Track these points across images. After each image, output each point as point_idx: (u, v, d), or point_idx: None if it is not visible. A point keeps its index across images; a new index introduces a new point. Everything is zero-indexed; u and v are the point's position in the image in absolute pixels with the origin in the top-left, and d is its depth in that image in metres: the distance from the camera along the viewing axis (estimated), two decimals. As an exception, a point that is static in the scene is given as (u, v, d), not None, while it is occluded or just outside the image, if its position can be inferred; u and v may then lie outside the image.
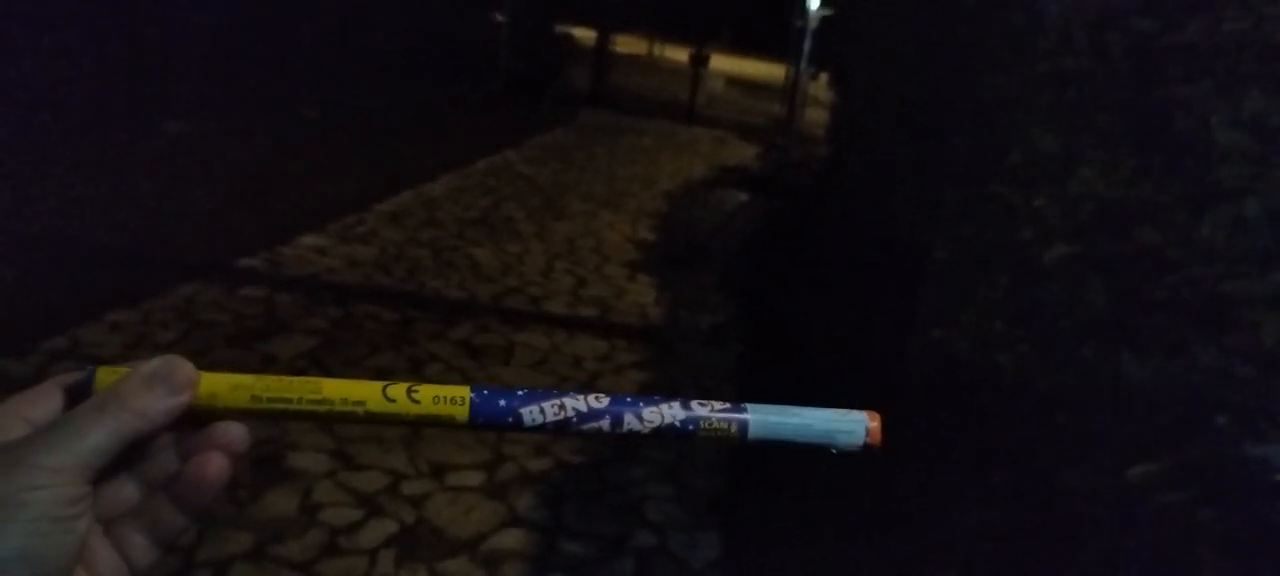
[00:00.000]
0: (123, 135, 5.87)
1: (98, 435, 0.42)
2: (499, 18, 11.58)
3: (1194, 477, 1.54)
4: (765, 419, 0.54)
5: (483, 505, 2.67)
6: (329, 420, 0.50)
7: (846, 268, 4.20)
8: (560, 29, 13.85)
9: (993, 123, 2.76)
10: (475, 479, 2.79)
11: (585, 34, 14.61)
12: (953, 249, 2.79)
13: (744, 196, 8.15)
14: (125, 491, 0.47)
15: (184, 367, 0.46)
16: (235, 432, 0.48)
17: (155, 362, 0.45)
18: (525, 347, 3.82)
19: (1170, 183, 1.90)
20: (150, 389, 0.44)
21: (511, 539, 2.54)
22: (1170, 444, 1.66)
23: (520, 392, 0.51)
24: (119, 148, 5.68)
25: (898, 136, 4.04)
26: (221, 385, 0.47)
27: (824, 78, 11.56)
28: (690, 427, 0.53)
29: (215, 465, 0.46)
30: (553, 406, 0.50)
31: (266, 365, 3.15)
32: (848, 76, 6.75)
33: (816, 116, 11.98)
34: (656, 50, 25.35)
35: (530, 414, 0.50)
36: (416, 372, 3.32)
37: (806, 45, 11.92)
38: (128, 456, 0.45)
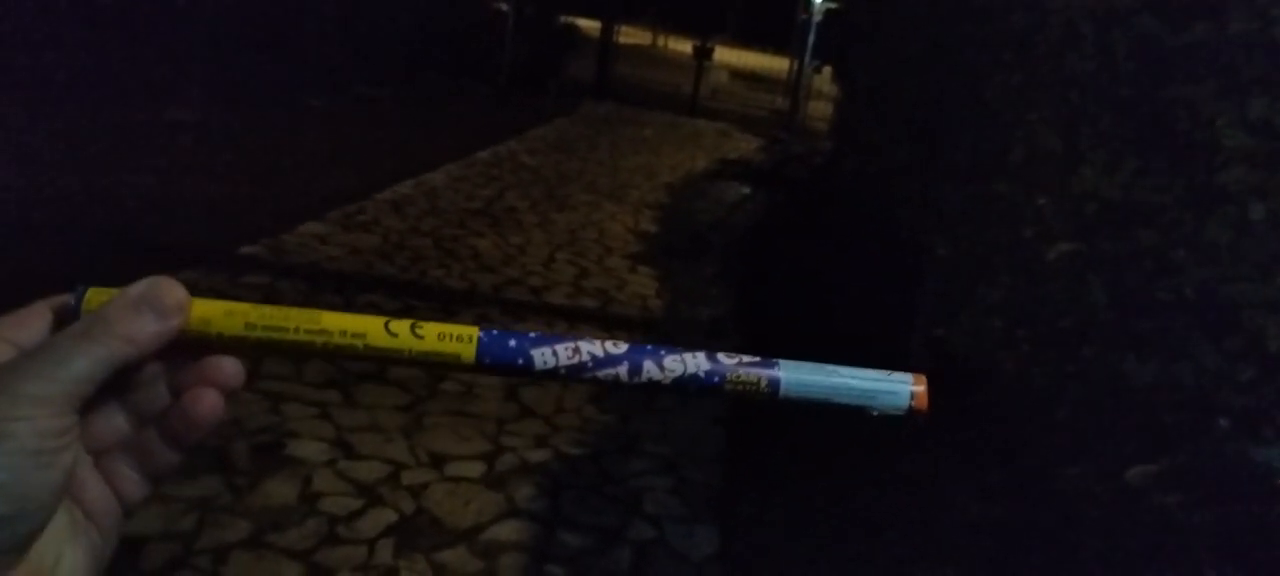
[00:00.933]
0: (126, 121, 5.86)
1: (82, 362, 0.40)
2: (503, 8, 11.56)
3: (1194, 480, 1.54)
4: (800, 376, 0.49)
5: (482, 495, 2.67)
6: (326, 353, 0.47)
7: (847, 263, 4.20)
8: (564, 20, 13.82)
9: (995, 120, 2.76)
10: (475, 469, 2.79)
11: (589, 25, 14.58)
12: (954, 246, 2.79)
13: (746, 189, 8.15)
14: (115, 422, 0.44)
15: (174, 290, 0.43)
16: (229, 368, 0.46)
17: (142, 284, 0.43)
18: (526, 339, 3.82)
19: (1173, 184, 1.90)
20: (138, 313, 0.42)
21: (510, 529, 2.55)
22: (1170, 445, 1.66)
23: (532, 335, 0.48)
24: (122, 133, 5.67)
25: (900, 132, 4.03)
26: (215, 311, 0.45)
27: (827, 72, 11.54)
28: (715, 380, 0.49)
29: (208, 402, 0.44)
30: (567, 349, 0.48)
31: (268, 351, 3.14)
32: (851, 71, 6.74)
33: (820, 110, 11.96)
34: (660, 42, 25.31)
35: (542, 356, 0.48)
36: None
37: (810, 39, 11.90)
38: (117, 385, 0.43)
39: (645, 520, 2.73)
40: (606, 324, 4.21)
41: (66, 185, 4.56)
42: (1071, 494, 1.87)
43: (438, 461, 2.79)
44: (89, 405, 0.41)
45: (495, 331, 0.48)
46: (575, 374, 0.47)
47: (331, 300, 3.75)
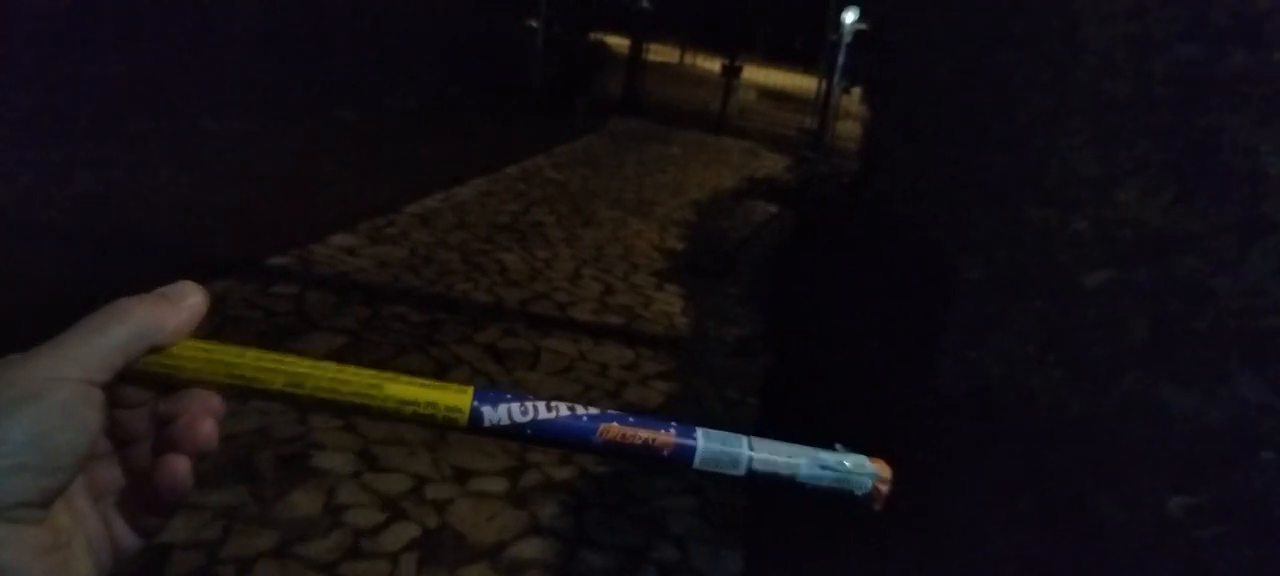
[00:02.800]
0: (160, 130, 5.93)
1: (119, 331, 0.44)
2: (533, 24, 11.63)
3: (1236, 513, 1.51)
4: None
5: (505, 512, 2.66)
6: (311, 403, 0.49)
7: (876, 284, 4.17)
8: (593, 37, 13.88)
9: (1030, 144, 2.73)
10: (498, 485, 2.78)
11: (618, 42, 14.64)
12: (986, 269, 2.76)
13: (773, 208, 8.12)
14: (112, 473, 0.48)
15: (192, 287, 0.48)
16: (214, 401, 0.48)
17: (168, 286, 0.48)
18: (551, 353, 3.82)
19: (1214, 211, 1.87)
20: (164, 298, 0.47)
21: (533, 547, 2.53)
22: (1211, 478, 1.62)
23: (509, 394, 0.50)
24: (156, 142, 5.74)
25: (932, 154, 4.01)
26: (196, 353, 0.47)
27: (856, 92, 11.51)
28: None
29: (205, 428, 0.47)
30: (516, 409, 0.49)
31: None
32: (881, 91, 6.71)
33: (848, 130, 11.93)
34: (689, 59, 25.37)
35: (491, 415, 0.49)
36: (442, 374, 3.32)
37: (840, 59, 11.87)
38: (115, 434, 0.47)
39: (669, 541, 2.71)
40: (631, 341, 4.20)
41: (99, 192, 4.61)
42: (1106, 525, 1.83)
43: (461, 476, 2.79)
44: (90, 461, 0.44)
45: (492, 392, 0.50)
46: (515, 434, 0.49)
47: (359, 312, 3.77)
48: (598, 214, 6.55)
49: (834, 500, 0.51)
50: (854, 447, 0.52)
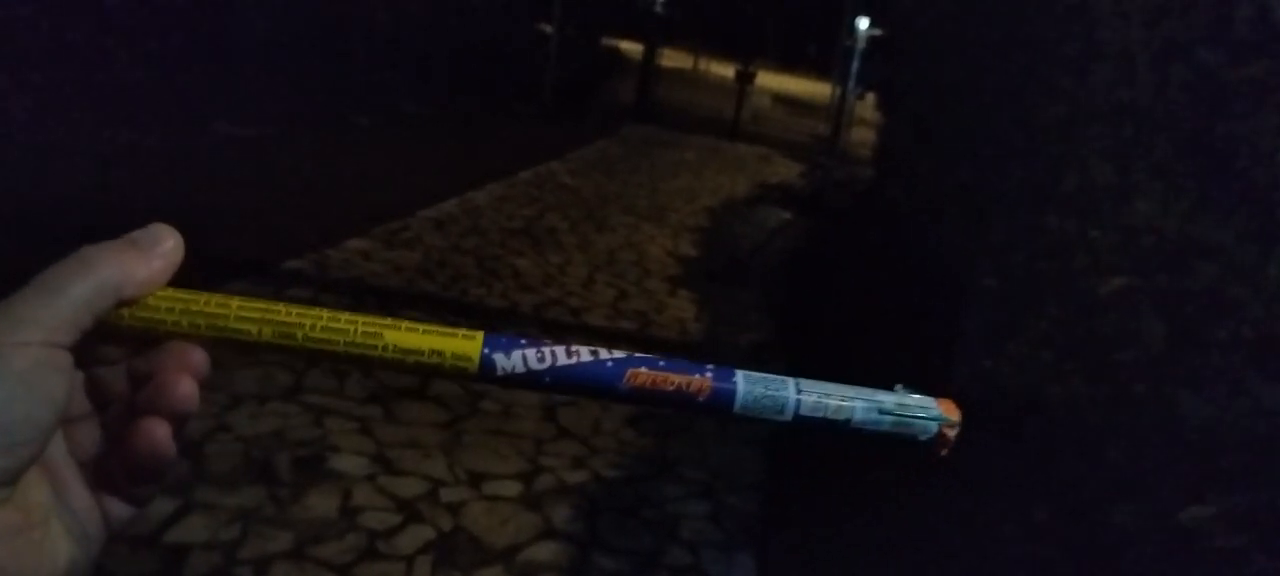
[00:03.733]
0: (176, 134, 5.98)
1: (82, 287, 0.39)
2: (547, 30, 11.66)
3: (1253, 523, 1.50)
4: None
5: (519, 515, 2.67)
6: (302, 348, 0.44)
7: (890, 291, 4.16)
8: (607, 42, 13.90)
9: (1046, 150, 2.72)
10: (513, 489, 2.79)
11: (631, 48, 14.66)
12: (1002, 276, 2.75)
13: (787, 214, 8.12)
14: (94, 437, 0.42)
15: (166, 230, 0.44)
16: (195, 355, 0.43)
17: (139, 230, 0.43)
18: (565, 359, 3.82)
19: (1233, 219, 1.86)
20: (133, 245, 0.42)
21: (547, 551, 2.54)
22: (1228, 487, 1.61)
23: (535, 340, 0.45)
24: (172, 146, 5.78)
25: (947, 160, 4.00)
26: (175, 306, 0.43)
27: (871, 98, 11.49)
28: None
29: (183, 388, 0.41)
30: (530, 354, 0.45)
31: (311, 365, 3.18)
32: (895, 97, 6.70)
33: (862, 136, 11.91)
34: (702, 65, 25.38)
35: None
36: (455, 378, 3.33)
37: (854, 65, 11.86)
38: (91, 393, 0.42)
39: (682, 546, 2.71)
40: (645, 347, 4.20)
41: (114, 196, 4.65)
42: (1123, 534, 1.82)
43: (476, 480, 2.80)
44: (69, 417, 0.40)
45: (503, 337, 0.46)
46: (530, 383, 0.45)
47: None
48: (611, 219, 6.56)
49: (893, 446, 0.46)
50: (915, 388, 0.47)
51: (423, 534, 2.50)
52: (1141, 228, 2.07)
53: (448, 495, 2.69)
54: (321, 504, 2.52)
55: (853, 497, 2.85)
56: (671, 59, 18.02)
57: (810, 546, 2.80)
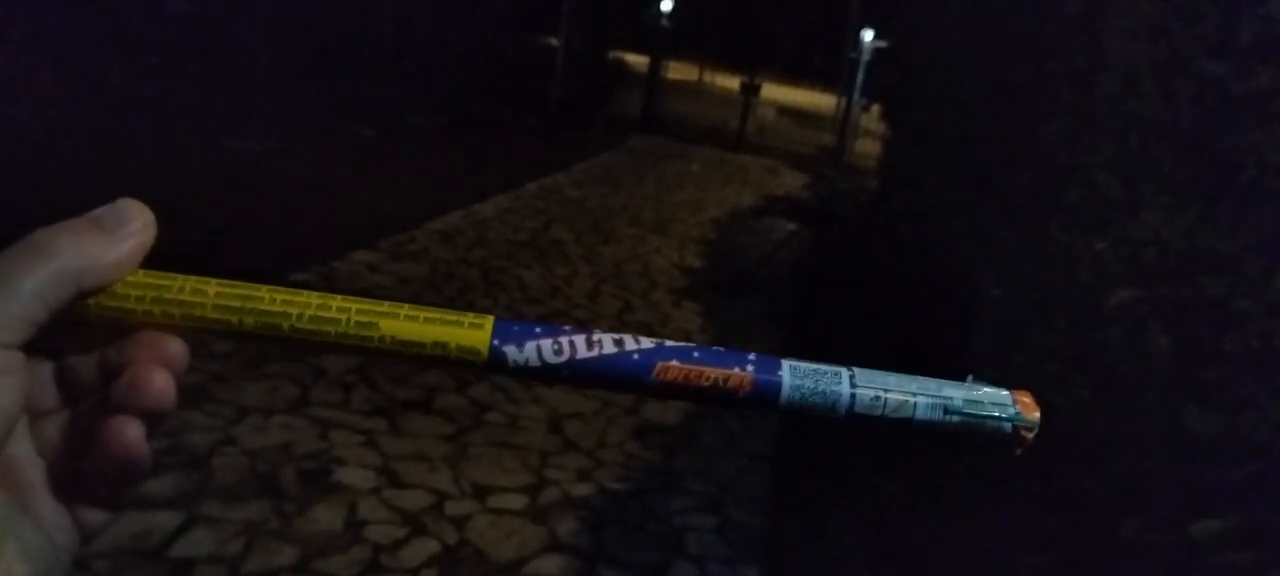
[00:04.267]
0: (183, 147, 6.00)
1: (34, 278, 0.34)
2: (553, 42, 11.69)
3: (1263, 538, 1.49)
4: (800, 383, 0.40)
5: (525, 528, 2.66)
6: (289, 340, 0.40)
7: (896, 303, 4.15)
8: (613, 54, 13.94)
9: (1052, 162, 2.72)
10: (518, 502, 2.78)
11: (637, 60, 14.70)
12: (1008, 288, 2.74)
13: (792, 226, 8.12)
14: (62, 433, 0.38)
15: (136, 207, 0.38)
16: (171, 346, 0.38)
17: (103, 207, 0.38)
18: (571, 371, 3.82)
19: (1239, 231, 1.85)
20: (96, 225, 0.37)
21: (552, 564, 2.53)
22: (1237, 501, 1.60)
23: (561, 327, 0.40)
24: (179, 159, 5.80)
25: (952, 172, 4.00)
26: (147, 292, 0.38)
27: (876, 110, 11.50)
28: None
29: (158, 382, 0.37)
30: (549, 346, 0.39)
31: (317, 378, 3.18)
32: (901, 109, 6.70)
33: (867, 148, 11.91)
34: (708, 77, 25.41)
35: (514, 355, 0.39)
36: (461, 391, 3.33)
37: (859, 77, 11.87)
38: (61, 385, 0.38)
39: (688, 560, 2.70)
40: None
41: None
42: (1131, 548, 1.81)
43: (481, 493, 2.79)
44: (37, 411, 0.37)
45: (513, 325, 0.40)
46: (549, 375, 0.40)
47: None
48: (617, 231, 6.56)
49: (963, 444, 0.41)
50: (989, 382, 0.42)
51: (428, 547, 2.50)
52: (1147, 240, 2.06)
53: (453, 508, 2.69)
54: (327, 517, 2.52)
55: (859, 510, 2.85)
56: (677, 71, 18.06)
57: (816, 559, 2.78)
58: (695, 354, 0.40)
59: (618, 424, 3.35)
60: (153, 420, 0.37)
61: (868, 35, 11.72)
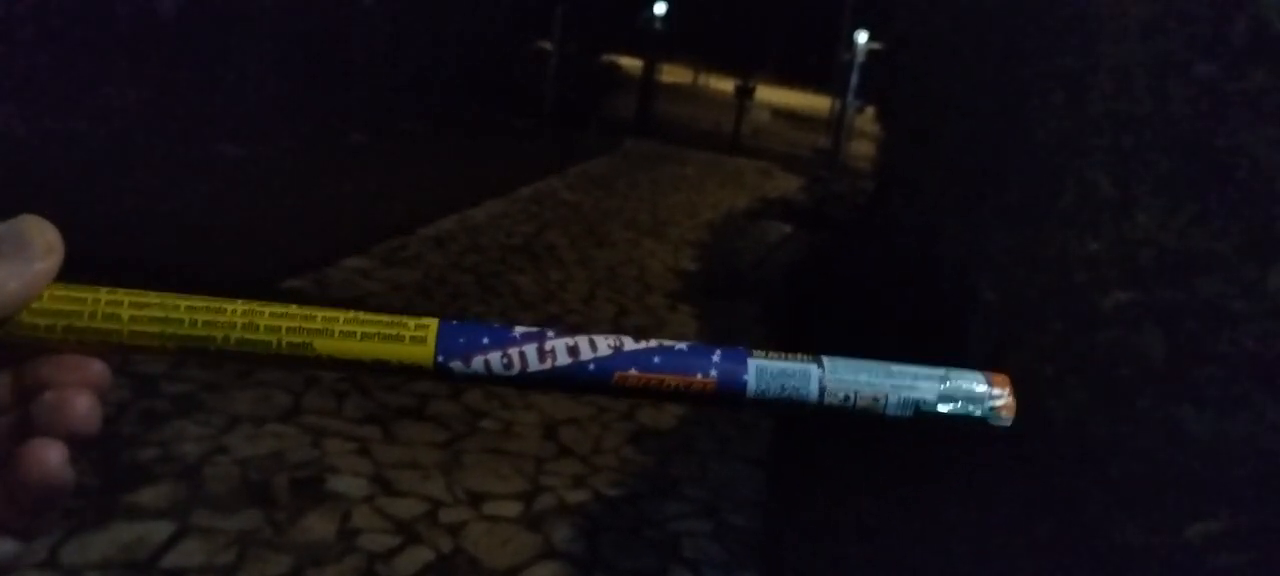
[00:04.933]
0: (176, 153, 5.98)
1: None
2: (545, 45, 11.69)
3: (1259, 540, 1.48)
4: (760, 371, 0.39)
5: (519, 536, 2.65)
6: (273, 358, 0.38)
7: (891, 305, 4.15)
8: (606, 57, 13.94)
9: (1046, 164, 2.72)
10: (513, 509, 2.77)
11: (631, 63, 14.70)
12: (1003, 291, 2.74)
13: (787, 228, 8.11)
14: None
15: (37, 227, 0.35)
16: (92, 367, 0.36)
17: (4, 225, 0.34)
18: (565, 376, 3.81)
19: (1233, 232, 1.85)
20: None
21: (547, 571, 2.52)
22: (1233, 502, 1.60)
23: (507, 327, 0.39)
24: (172, 165, 5.79)
25: (947, 174, 3.99)
26: (61, 310, 0.36)
27: (870, 112, 11.52)
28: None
29: (82, 405, 0.34)
30: (505, 356, 0.38)
31: (310, 385, 3.16)
32: (895, 111, 6.71)
33: (862, 150, 11.92)
34: (702, 80, 25.44)
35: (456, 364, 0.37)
36: (454, 398, 3.32)
37: (853, 79, 11.88)
38: None
39: (684, 565, 2.68)
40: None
41: (113, 214, 4.65)
42: (1127, 550, 1.81)
43: (476, 500, 2.78)
44: None
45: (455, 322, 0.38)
46: (523, 380, 0.38)
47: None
48: (611, 235, 6.55)
49: (940, 430, 0.40)
50: (968, 366, 0.41)
51: (422, 555, 2.48)
52: (1142, 241, 2.06)
53: (447, 516, 2.67)
54: (320, 526, 2.50)
55: (855, 514, 2.84)
56: (671, 74, 18.05)
57: (813, 564, 2.77)
58: (656, 359, 0.39)
59: (613, 429, 3.33)
60: (77, 443, 0.34)
61: (862, 37, 11.73)
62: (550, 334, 0.39)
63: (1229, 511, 1.59)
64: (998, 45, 3.47)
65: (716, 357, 0.40)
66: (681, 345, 0.40)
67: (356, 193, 6.35)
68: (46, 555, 2.14)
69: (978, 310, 2.86)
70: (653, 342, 0.40)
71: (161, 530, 2.32)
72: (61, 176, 4.98)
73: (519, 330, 0.39)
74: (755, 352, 0.40)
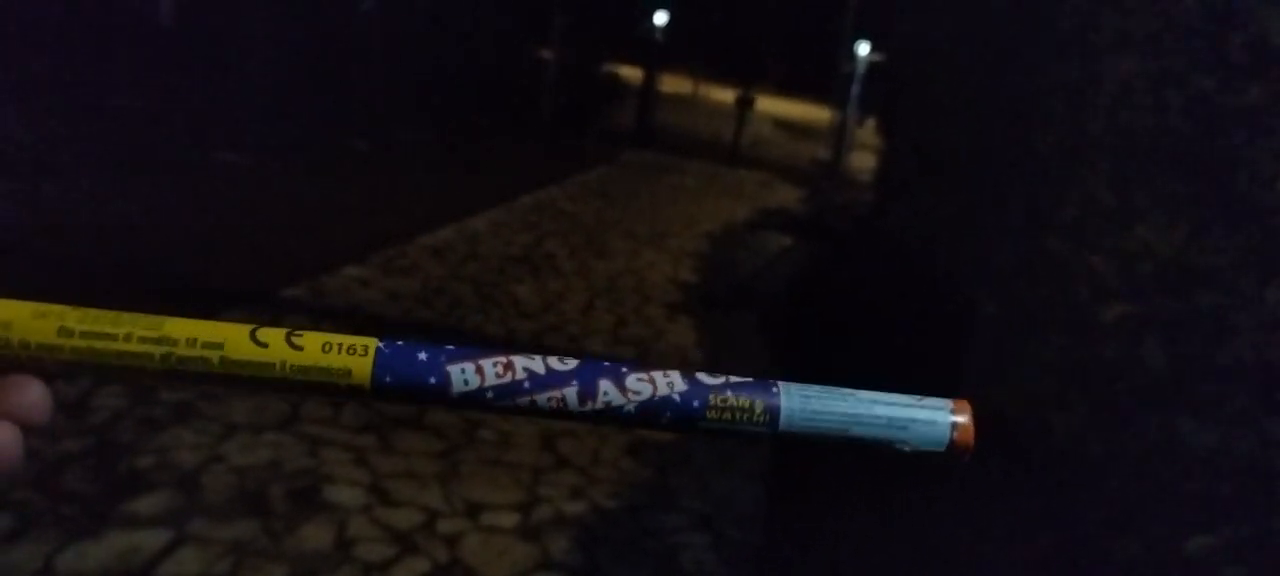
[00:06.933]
0: (175, 161, 5.98)
1: None
2: (545, 55, 11.70)
3: (1258, 553, 1.47)
4: (807, 404, 0.39)
5: (517, 547, 2.64)
6: (169, 372, 0.37)
7: (892, 318, 4.14)
8: (606, 68, 13.96)
9: (1047, 176, 2.71)
10: (510, 520, 2.76)
11: (631, 73, 14.72)
12: (1004, 304, 2.73)
13: (787, 240, 8.11)
14: None
15: None
16: (33, 394, 0.35)
17: None
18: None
19: (1232, 245, 1.85)
20: None
21: (545, 582, 2.51)
22: (1232, 516, 1.59)
23: (448, 348, 0.40)
24: (171, 173, 5.79)
25: (948, 186, 3.99)
26: (20, 313, 0.37)
27: (871, 123, 11.53)
28: (694, 405, 0.39)
29: (31, 396, 0.34)
30: (496, 367, 0.39)
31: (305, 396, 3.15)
32: (897, 123, 6.71)
33: (863, 161, 11.93)
34: (702, 91, 25.46)
35: (460, 374, 0.39)
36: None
37: (855, 90, 11.90)
38: None
39: (682, 576, 2.67)
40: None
41: (112, 222, 4.64)
42: (1127, 564, 1.80)
43: (473, 510, 2.77)
44: None
45: (400, 343, 0.38)
46: (507, 397, 0.39)
47: (372, 344, 3.76)
48: (611, 245, 6.55)
49: (905, 457, 0.40)
50: (931, 392, 0.41)
51: (418, 566, 2.47)
52: (1141, 253, 2.05)
53: (444, 526, 2.66)
54: (316, 536, 2.49)
55: (853, 528, 2.83)
56: (671, 84, 18.08)
57: (811, 576, 2.76)
58: (607, 393, 0.40)
59: (611, 441, 3.32)
60: (29, 430, 0.34)
61: (863, 48, 11.75)
62: (510, 365, 0.40)
63: (1229, 524, 1.58)
64: (999, 58, 3.47)
65: (677, 378, 0.40)
66: (623, 366, 0.41)
67: (355, 201, 6.35)
68: (42, 563, 2.13)
69: (978, 323, 2.85)
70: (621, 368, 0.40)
71: (158, 538, 2.31)
72: (61, 182, 4.98)
73: (452, 349, 0.39)
74: (712, 377, 0.40)
